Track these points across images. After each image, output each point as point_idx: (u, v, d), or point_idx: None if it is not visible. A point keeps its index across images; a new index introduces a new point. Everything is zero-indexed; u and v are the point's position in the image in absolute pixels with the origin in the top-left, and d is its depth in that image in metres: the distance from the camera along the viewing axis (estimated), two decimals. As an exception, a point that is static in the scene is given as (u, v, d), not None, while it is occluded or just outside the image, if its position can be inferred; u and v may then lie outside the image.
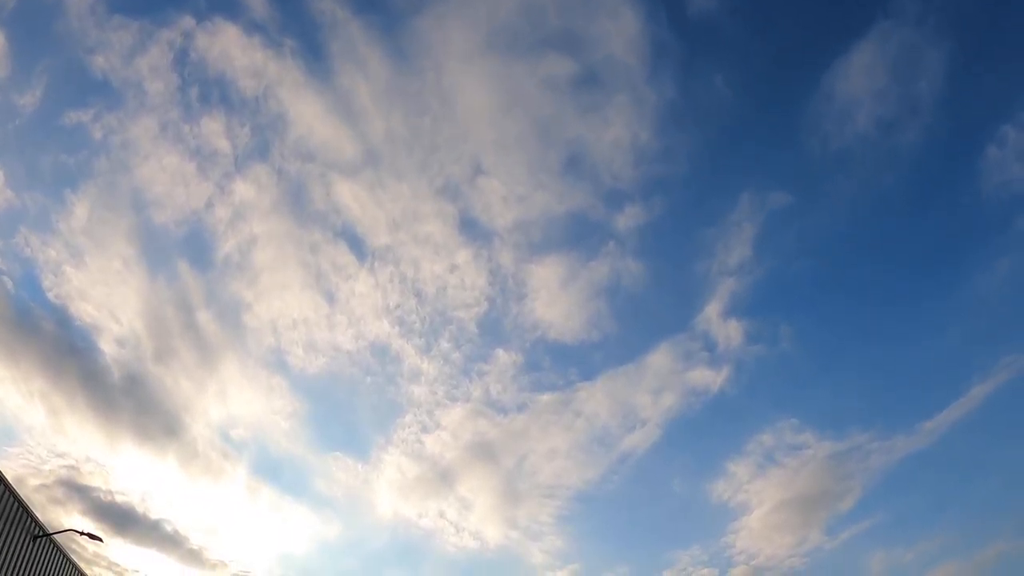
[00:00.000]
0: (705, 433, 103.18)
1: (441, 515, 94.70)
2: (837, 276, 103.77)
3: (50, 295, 75.60)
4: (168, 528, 73.61)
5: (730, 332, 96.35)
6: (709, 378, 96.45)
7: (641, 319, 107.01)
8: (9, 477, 21.76)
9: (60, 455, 70.24)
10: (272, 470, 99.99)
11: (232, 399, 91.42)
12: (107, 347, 79.13)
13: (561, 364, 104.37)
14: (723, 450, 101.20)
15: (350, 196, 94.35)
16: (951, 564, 79.15)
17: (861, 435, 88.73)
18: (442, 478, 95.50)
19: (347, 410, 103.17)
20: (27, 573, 23.28)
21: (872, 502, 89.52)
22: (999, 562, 76.43)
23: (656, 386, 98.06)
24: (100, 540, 27.03)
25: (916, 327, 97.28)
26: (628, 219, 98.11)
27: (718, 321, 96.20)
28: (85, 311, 77.88)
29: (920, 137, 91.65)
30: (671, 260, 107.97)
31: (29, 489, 58.69)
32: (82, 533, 26.47)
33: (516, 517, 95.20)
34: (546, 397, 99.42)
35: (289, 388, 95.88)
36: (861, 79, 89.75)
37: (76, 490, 67.42)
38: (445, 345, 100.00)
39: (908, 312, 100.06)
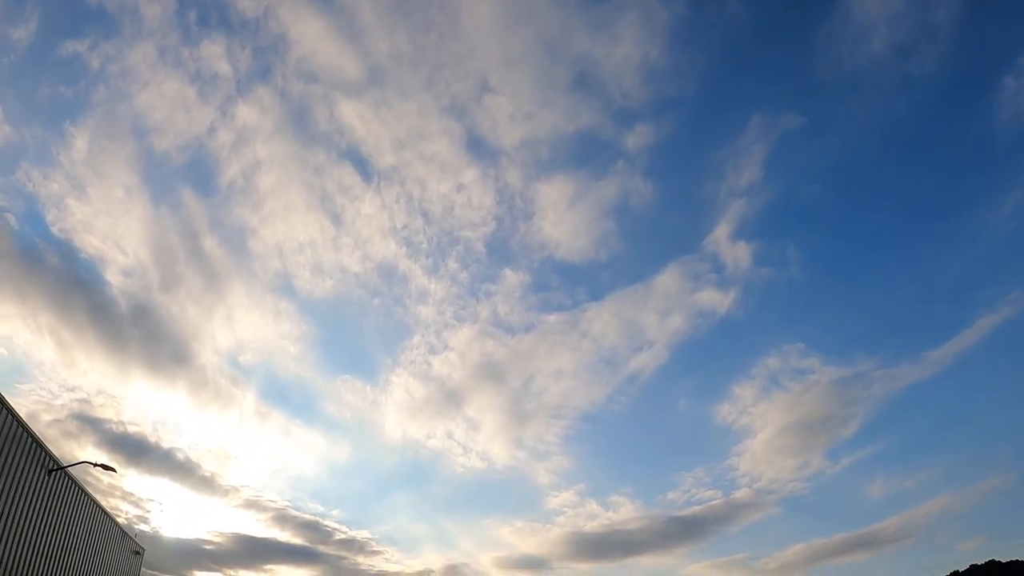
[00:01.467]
0: (712, 355, 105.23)
1: (449, 436, 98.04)
2: (847, 200, 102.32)
3: (54, 229, 75.67)
4: (180, 456, 76.75)
5: (738, 254, 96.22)
6: (717, 300, 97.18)
7: (649, 239, 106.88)
8: (22, 413, 22.34)
9: (71, 389, 72.35)
10: (281, 395, 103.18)
11: (240, 325, 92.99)
12: (113, 278, 79.84)
13: (569, 284, 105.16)
14: (729, 373, 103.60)
15: (355, 116, 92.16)
16: (949, 494, 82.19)
17: (866, 362, 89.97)
18: (450, 399, 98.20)
19: (355, 332, 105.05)
20: (43, 506, 24.22)
21: (874, 429, 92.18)
22: (996, 493, 79.41)
23: (664, 307, 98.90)
24: (114, 471, 27.99)
25: (925, 256, 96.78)
26: (637, 138, 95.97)
27: (727, 243, 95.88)
28: (90, 243, 78.06)
29: (935, 64, 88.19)
30: (680, 180, 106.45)
31: (42, 424, 60.66)
32: (96, 464, 27.31)
33: (523, 437, 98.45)
34: (553, 317, 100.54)
35: (296, 312, 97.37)
36: (877, 2, 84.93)
37: (88, 423, 69.83)
38: (452, 265, 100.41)
39: (918, 240, 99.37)
